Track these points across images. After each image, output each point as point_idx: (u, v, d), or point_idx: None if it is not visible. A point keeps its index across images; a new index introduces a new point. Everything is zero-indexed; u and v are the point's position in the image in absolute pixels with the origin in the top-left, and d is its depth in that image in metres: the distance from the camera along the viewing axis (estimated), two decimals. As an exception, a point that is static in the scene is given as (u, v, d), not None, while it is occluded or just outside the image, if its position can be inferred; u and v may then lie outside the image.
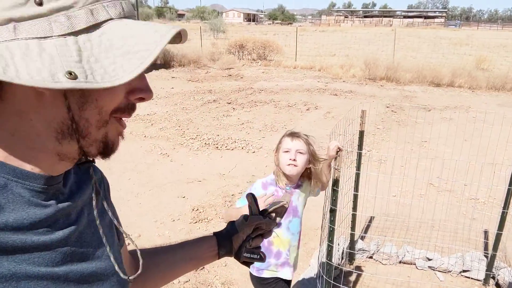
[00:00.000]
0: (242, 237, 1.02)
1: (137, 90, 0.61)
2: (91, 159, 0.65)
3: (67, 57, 0.50)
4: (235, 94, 10.27)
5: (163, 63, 15.23)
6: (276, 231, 1.98)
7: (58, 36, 0.50)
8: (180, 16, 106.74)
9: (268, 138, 6.72)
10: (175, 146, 6.32)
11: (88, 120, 0.57)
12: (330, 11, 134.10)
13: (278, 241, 2.01)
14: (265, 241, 1.95)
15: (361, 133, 3.14)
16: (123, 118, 0.63)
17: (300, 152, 2.00)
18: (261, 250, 1.84)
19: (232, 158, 5.80)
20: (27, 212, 0.56)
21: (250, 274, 2.13)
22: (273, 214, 1.05)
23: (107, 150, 0.62)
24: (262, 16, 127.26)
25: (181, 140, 6.59)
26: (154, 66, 14.69)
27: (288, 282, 2.11)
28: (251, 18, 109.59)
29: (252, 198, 1.01)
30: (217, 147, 6.22)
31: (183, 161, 5.73)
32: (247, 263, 1.05)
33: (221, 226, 3.99)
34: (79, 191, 0.69)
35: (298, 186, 2.09)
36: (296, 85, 11.60)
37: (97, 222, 0.71)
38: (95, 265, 0.67)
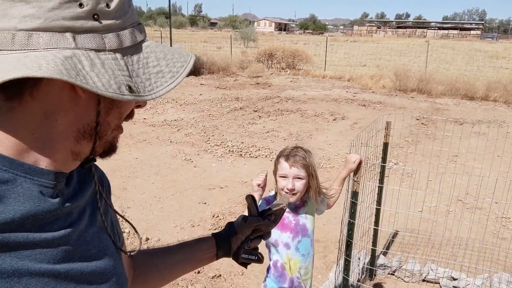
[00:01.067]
0: (241, 238, 1.02)
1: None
2: (93, 158, 0.68)
3: (122, 71, 0.56)
4: (261, 102, 10.28)
5: (193, 70, 15.44)
6: (286, 255, 1.89)
7: (109, 51, 0.56)
8: (213, 24, 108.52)
9: (292, 147, 6.67)
10: (200, 152, 6.37)
11: (109, 124, 0.63)
12: (362, 21, 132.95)
13: (287, 266, 1.91)
14: (278, 265, 1.90)
15: (385, 145, 3.06)
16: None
17: (299, 178, 1.87)
18: (272, 274, 1.81)
19: (256, 166, 5.78)
20: (35, 207, 0.57)
21: None
22: (273, 216, 1.03)
23: (111, 150, 0.68)
24: (293, 25, 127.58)
25: (205, 146, 6.63)
26: (184, 73, 14.92)
27: None
28: (282, 27, 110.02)
29: (251, 199, 0.99)
30: (241, 155, 6.22)
31: (206, 167, 5.75)
32: (245, 264, 1.05)
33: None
34: (81, 190, 0.70)
35: (303, 203, 1.97)
36: (323, 95, 11.51)
37: (101, 222, 0.73)
38: (96, 265, 0.67)
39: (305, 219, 1.94)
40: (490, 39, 71.06)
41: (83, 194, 0.70)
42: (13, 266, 0.54)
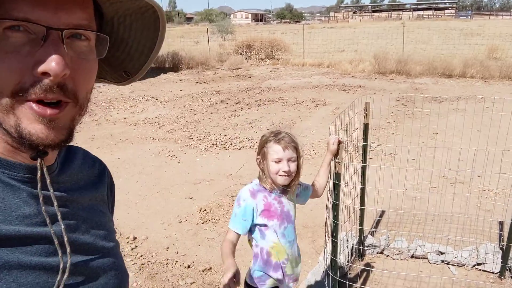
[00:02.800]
0: None
1: (39, 63, 0.52)
2: (37, 150, 0.58)
3: None
4: (242, 94, 10.24)
5: (171, 66, 15.30)
6: (275, 240, 1.87)
7: None
8: (189, 19, 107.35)
9: (276, 136, 6.67)
10: (183, 147, 6.31)
11: None
12: (338, 8, 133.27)
13: (275, 251, 1.88)
14: (264, 253, 1.88)
15: (366, 126, 3.07)
16: (47, 102, 0.55)
17: (292, 160, 1.86)
18: (257, 261, 1.77)
19: (240, 158, 5.76)
20: (17, 202, 0.57)
21: (246, 284, 1.98)
22: None
23: (23, 140, 0.55)
24: (270, 15, 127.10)
25: (188, 141, 6.58)
26: (162, 70, 14.78)
27: None
28: (259, 18, 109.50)
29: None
30: (224, 147, 6.20)
31: (191, 162, 5.71)
32: None
33: (228, 226, 3.97)
34: (85, 186, 0.71)
35: (286, 190, 1.94)
36: (304, 83, 11.52)
37: (98, 218, 0.72)
38: (92, 259, 0.67)
39: (288, 205, 1.94)
40: (465, 17, 71.98)
41: (86, 190, 0.71)
42: (3, 258, 0.53)
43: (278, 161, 1.84)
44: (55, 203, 0.60)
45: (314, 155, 5.72)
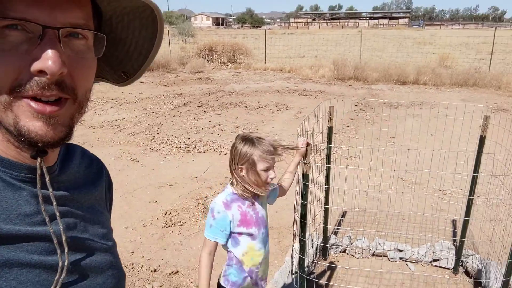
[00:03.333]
0: None
1: (36, 61, 0.53)
2: (37, 148, 0.59)
3: None
4: (205, 97, 10.21)
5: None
6: (249, 244, 1.87)
7: None
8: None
9: (239, 139, 6.71)
10: (146, 151, 6.22)
11: None
12: (298, 14, 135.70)
13: (249, 256, 1.88)
14: (237, 260, 1.87)
15: (330, 129, 3.18)
16: (44, 99, 0.55)
17: (275, 166, 1.87)
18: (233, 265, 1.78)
19: (205, 161, 5.76)
20: (18, 201, 0.58)
21: (219, 286, 1.98)
22: None
23: (23, 138, 0.55)
24: (231, 20, 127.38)
25: (151, 144, 6.49)
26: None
27: None
28: (220, 22, 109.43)
29: None
30: (188, 150, 6.16)
31: (154, 165, 5.64)
32: None
33: (194, 229, 3.96)
34: (84, 185, 0.72)
35: (257, 195, 1.92)
36: (266, 87, 11.66)
37: (97, 217, 0.73)
38: (91, 257, 0.67)
39: (261, 210, 1.94)
40: (417, 26, 75.51)
41: (86, 189, 0.72)
42: (4, 256, 0.54)
43: (267, 169, 1.82)
44: (54, 202, 0.61)
45: (278, 159, 5.80)
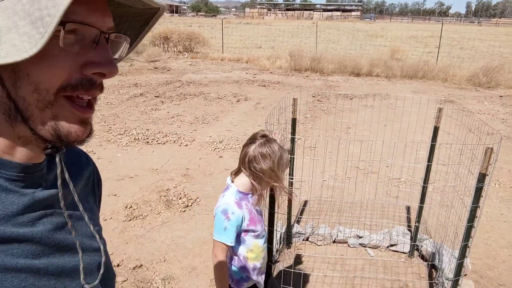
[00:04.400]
0: None
1: (93, 63, 0.56)
2: (55, 146, 0.59)
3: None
4: (162, 87, 10.01)
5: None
6: (254, 242, 1.85)
7: None
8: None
9: (200, 130, 6.66)
10: (102, 142, 6.02)
11: (25, 99, 0.53)
12: (253, 4, 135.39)
13: (254, 254, 1.87)
14: (241, 258, 1.85)
15: (294, 120, 3.24)
16: (85, 98, 0.58)
17: None
18: (235, 264, 1.82)
19: (164, 152, 5.67)
20: (4, 202, 0.55)
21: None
22: None
23: (60, 137, 0.56)
24: (185, 7, 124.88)
25: (107, 136, 6.29)
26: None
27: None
28: (174, 9, 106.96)
29: None
30: (147, 142, 6.04)
31: (112, 158, 5.48)
32: None
33: (156, 221, 3.91)
34: (74, 182, 0.68)
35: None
36: (224, 77, 11.60)
37: (89, 214, 0.70)
38: (78, 259, 0.65)
39: (258, 206, 1.94)
40: (369, 19, 77.78)
41: (76, 185, 0.69)
42: None
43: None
44: (62, 203, 0.61)
45: (239, 149, 5.81)
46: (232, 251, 1.85)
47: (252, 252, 1.85)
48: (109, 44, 0.59)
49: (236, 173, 1.86)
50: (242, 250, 1.84)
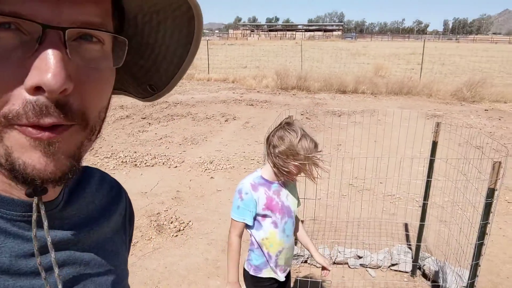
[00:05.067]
0: None
1: (33, 72, 0.39)
2: (34, 185, 0.44)
3: None
4: (149, 109, 9.88)
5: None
6: (271, 231, 1.87)
7: None
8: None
9: (189, 151, 6.53)
10: (88, 166, 5.83)
11: None
12: (236, 25, 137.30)
13: (269, 242, 1.89)
14: (256, 242, 1.89)
15: (289, 139, 3.15)
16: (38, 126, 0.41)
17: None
18: (254, 250, 1.89)
19: (154, 175, 5.51)
20: (0, 248, 0.45)
21: (245, 273, 2.00)
22: None
23: (17, 173, 0.42)
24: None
25: (94, 160, 6.11)
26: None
27: (281, 284, 2.02)
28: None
29: None
30: (135, 165, 5.87)
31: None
32: None
33: (148, 248, 3.73)
34: (98, 217, 0.59)
35: (283, 185, 1.93)
36: (212, 97, 11.54)
37: (107, 259, 0.60)
38: None
39: (287, 200, 1.93)
40: (350, 38, 79.39)
41: (99, 221, 0.59)
42: None
43: (303, 166, 1.84)
44: (52, 256, 0.48)
45: (230, 169, 5.71)
46: (250, 234, 1.92)
47: (267, 240, 1.88)
48: (78, 46, 0.43)
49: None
50: (259, 235, 1.89)
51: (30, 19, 0.38)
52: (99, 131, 0.51)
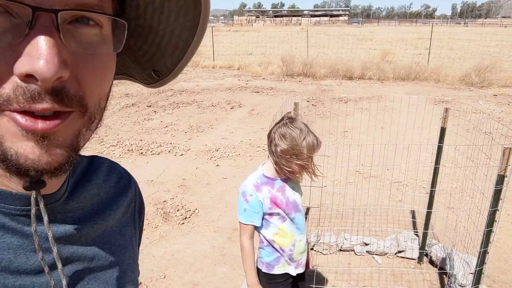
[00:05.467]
0: None
1: (22, 60, 0.37)
2: (30, 177, 0.42)
3: None
4: (154, 97, 9.86)
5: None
6: (280, 226, 1.85)
7: None
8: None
9: (195, 139, 6.52)
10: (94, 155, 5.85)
11: None
12: (241, 12, 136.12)
13: (280, 237, 1.86)
14: (268, 241, 1.86)
15: (295, 126, 3.12)
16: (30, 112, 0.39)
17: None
18: (264, 247, 1.89)
19: (160, 163, 5.51)
20: (4, 244, 0.44)
21: (259, 271, 1.96)
22: None
23: (9, 164, 0.39)
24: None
25: (100, 148, 6.12)
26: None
27: (296, 278, 1.99)
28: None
29: None
30: (141, 153, 5.88)
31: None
32: None
33: (154, 235, 3.75)
34: (104, 208, 0.57)
35: (286, 180, 1.88)
36: (217, 85, 11.49)
37: (113, 254, 0.57)
38: None
39: (293, 195, 1.87)
40: (357, 23, 78.41)
41: (105, 213, 0.57)
42: None
43: (307, 162, 1.80)
44: (55, 251, 0.46)
45: (236, 157, 5.70)
46: (260, 233, 1.89)
47: (278, 236, 1.86)
48: (74, 30, 0.40)
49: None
50: (268, 233, 1.86)
51: (19, 1, 0.36)
52: (100, 121, 0.48)
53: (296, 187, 1.92)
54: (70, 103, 0.40)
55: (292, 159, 1.72)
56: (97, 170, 0.60)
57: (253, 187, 1.81)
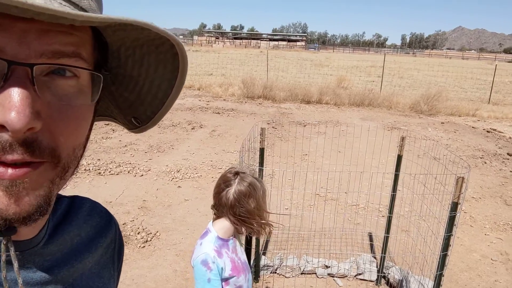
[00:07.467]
0: None
1: None
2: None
3: None
4: (112, 115, 9.64)
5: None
6: None
7: None
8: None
9: (155, 159, 6.43)
10: (49, 174, 5.62)
11: None
12: (201, 32, 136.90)
13: None
14: None
15: (262, 151, 3.19)
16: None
17: None
18: None
19: (119, 184, 5.38)
20: None
21: None
22: None
23: None
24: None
25: (55, 167, 5.88)
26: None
27: None
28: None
29: None
30: (99, 173, 5.71)
31: (60, 191, 5.10)
32: None
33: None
34: (83, 250, 0.57)
35: (235, 235, 1.78)
36: (177, 104, 11.43)
37: None
38: None
39: (242, 254, 1.79)
40: (313, 49, 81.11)
41: (84, 254, 0.57)
42: None
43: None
44: None
45: (198, 178, 5.68)
46: None
47: None
48: (49, 81, 0.41)
49: (218, 217, 1.71)
50: None
51: None
52: (76, 168, 0.48)
53: (242, 247, 1.84)
54: (41, 155, 0.40)
55: (258, 217, 1.65)
56: (78, 212, 0.60)
57: (215, 253, 1.61)
